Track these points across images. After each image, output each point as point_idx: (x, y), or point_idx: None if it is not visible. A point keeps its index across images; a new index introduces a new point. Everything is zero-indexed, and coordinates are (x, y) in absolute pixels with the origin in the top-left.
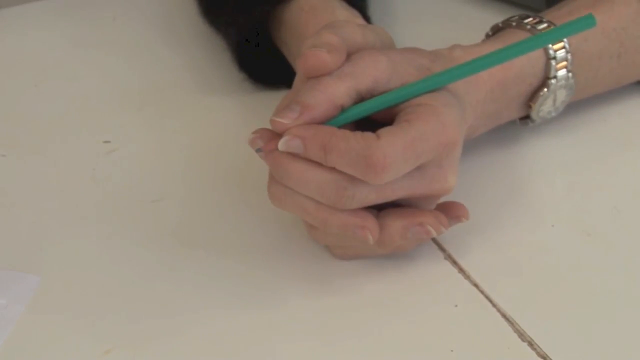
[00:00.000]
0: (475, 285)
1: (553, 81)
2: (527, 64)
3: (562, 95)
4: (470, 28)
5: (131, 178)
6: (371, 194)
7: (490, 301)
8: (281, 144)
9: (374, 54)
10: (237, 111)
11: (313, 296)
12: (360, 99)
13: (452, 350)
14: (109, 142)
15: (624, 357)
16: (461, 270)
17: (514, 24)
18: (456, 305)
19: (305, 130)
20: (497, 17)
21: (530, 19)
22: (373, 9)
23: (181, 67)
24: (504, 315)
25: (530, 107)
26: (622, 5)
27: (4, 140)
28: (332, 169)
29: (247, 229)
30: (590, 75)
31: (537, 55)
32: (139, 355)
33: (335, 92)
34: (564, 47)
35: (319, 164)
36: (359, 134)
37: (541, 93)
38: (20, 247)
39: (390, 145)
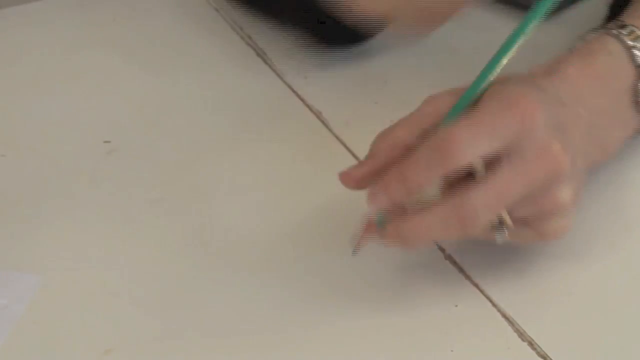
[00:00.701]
0: (476, 285)
1: None
2: (608, 57)
3: None
4: (475, 29)
5: (131, 178)
6: (488, 198)
7: (491, 301)
8: (370, 206)
9: (440, 95)
10: (239, 110)
11: (310, 292)
12: (427, 133)
13: (452, 350)
14: (109, 142)
15: (625, 356)
16: (461, 270)
17: (600, 30)
18: (456, 305)
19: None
20: (501, 18)
21: (612, 23)
22: None
23: (181, 67)
24: (504, 315)
25: (638, 102)
26: None
27: (3, 140)
28: (435, 206)
29: (249, 229)
30: None
31: (617, 48)
32: (140, 355)
33: (396, 136)
34: (638, 36)
35: (424, 209)
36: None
37: None
38: (20, 247)
39: (459, 130)
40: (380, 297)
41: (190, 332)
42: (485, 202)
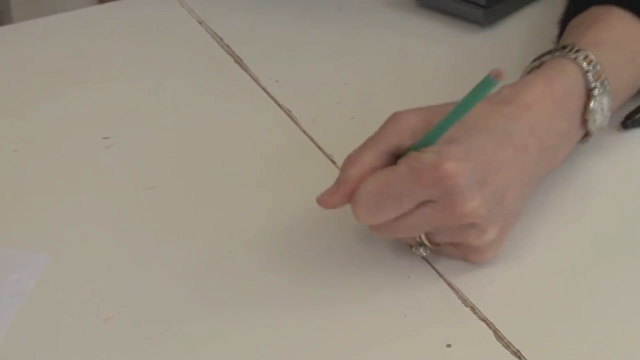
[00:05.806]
0: (424, 259)
1: (596, 91)
2: (568, 81)
3: (606, 103)
4: (418, 37)
5: (127, 168)
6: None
7: (438, 272)
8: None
9: (403, 114)
10: (220, 109)
11: (278, 273)
12: (391, 156)
13: (405, 315)
14: (108, 138)
15: (558, 322)
16: (411, 245)
17: (556, 53)
18: (409, 276)
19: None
20: (443, 27)
21: (568, 47)
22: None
23: (170, 72)
24: (449, 285)
25: (587, 120)
26: (617, 20)
27: (17, 137)
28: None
29: (231, 213)
30: (617, 80)
31: (574, 71)
32: (136, 321)
33: (364, 159)
34: (592, 60)
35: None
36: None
37: (591, 104)
38: (32, 229)
39: (365, 199)
40: (340, 270)
41: (182, 301)
42: (400, 227)
